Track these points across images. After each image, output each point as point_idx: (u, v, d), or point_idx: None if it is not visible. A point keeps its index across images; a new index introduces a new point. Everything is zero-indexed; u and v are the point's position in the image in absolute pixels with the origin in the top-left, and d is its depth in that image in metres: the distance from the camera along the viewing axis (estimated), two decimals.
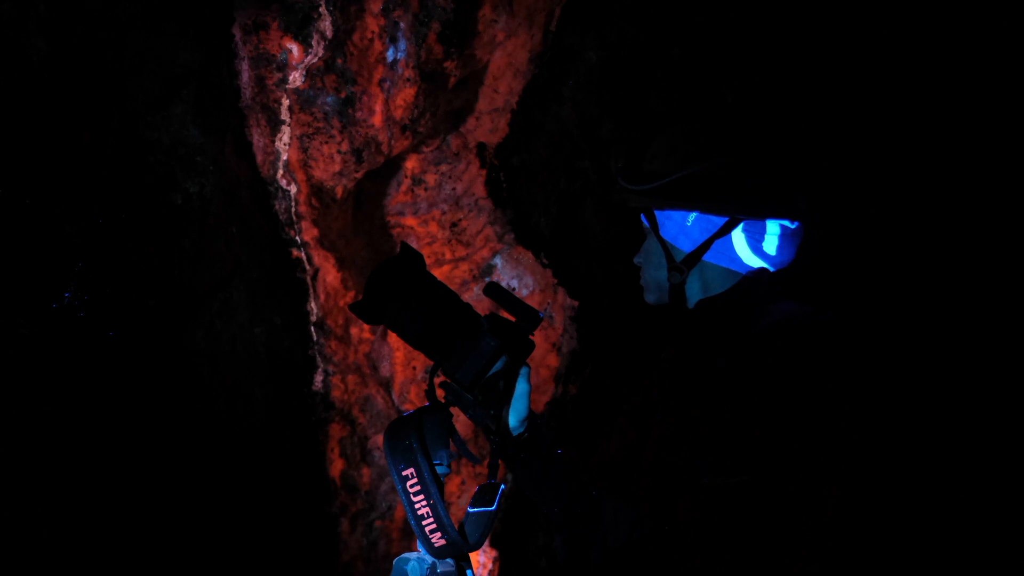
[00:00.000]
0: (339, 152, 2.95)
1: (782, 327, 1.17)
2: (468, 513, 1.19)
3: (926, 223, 2.29)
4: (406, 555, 1.19)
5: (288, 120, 2.84)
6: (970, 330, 2.10)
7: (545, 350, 3.59)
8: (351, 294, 3.21)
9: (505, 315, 1.28)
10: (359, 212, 3.44)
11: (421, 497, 1.11)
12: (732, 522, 1.09)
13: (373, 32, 2.81)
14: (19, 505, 2.10)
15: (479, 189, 3.49)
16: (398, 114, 2.97)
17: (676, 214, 1.27)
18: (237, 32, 2.62)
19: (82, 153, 2.17)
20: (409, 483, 1.12)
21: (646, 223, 1.32)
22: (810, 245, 1.28)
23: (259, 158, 2.83)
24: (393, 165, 3.40)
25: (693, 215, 1.25)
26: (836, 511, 1.02)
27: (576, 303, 3.53)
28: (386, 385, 3.54)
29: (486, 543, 3.39)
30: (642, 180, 1.26)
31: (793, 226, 1.25)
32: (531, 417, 1.34)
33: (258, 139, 2.80)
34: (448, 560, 1.17)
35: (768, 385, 1.10)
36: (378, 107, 2.91)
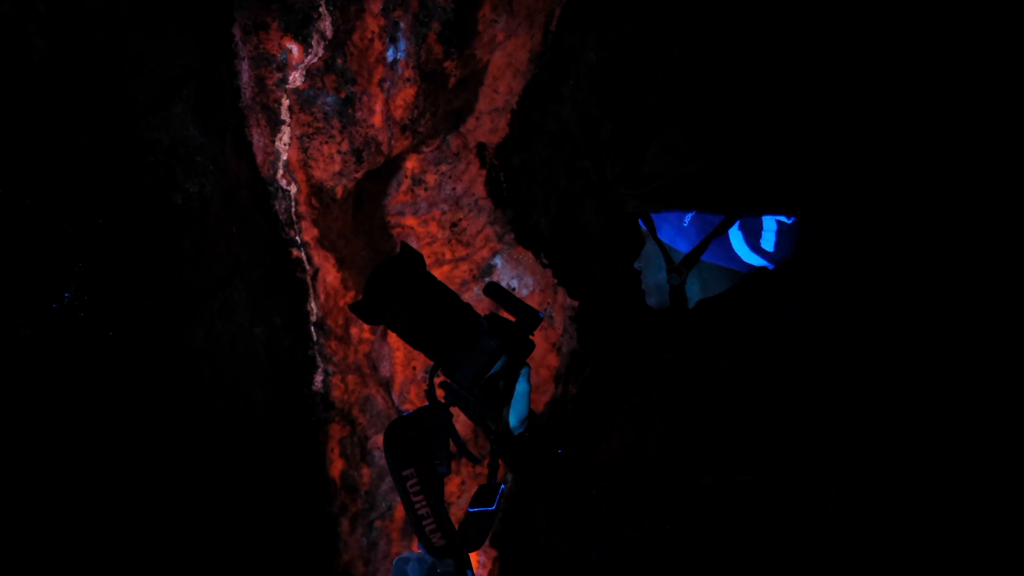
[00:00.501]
0: (339, 152, 2.95)
1: (782, 327, 1.17)
2: (468, 513, 1.19)
3: (927, 222, 2.29)
4: (406, 555, 1.19)
5: (288, 120, 2.84)
6: (971, 330, 2.10)
7: (545, 350, 3.59)
8: (351, 294, 3.21)
9: (505, 315, 1.28)
10: (359, 212, 3.44)
11: (421, 497, 1.11)
12: (732, 522, 1.09)
13: (373, 32, 2.81)
14: (19, 505, 2.10)
15: (479, 189, 3.49)
16: (398, 114, 2.97)
17: (672, 216, 1.27)
18: (237, 32, 2.63)
19: (82, 153, 2.17)
20: (409, 483, 1.12)
21: (643, 227, 1.32)
22: (809, 241, 1.28)
23: (259, 158, 2.83)
24: (393, 165, 3.40)
25: (689, 216, 1.25)
26: (836, 511, 1.02)
27: (576, 303, 3.53)
28: (386, 385, 3.54)
29: (486, 543, 3.39)
30: (640, 183, 1.26)
31: (790, 222, 1.25)
32: (531, 417, 1.34)
33: (258, 139, 2.80)
34: (448, 560, 1.17)
35: (768, 385, 1.10)
36: (378, 107, 2.91)
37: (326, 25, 2.70)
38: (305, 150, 2.92)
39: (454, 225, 3.56)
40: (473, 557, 1.24)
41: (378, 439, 3.43)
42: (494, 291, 1.28)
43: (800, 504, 1.04)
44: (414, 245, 3.57)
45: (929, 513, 1.06)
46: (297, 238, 3.00)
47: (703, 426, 1.15)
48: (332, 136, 2.91)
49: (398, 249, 1.26)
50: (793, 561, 1.04)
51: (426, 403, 1.22)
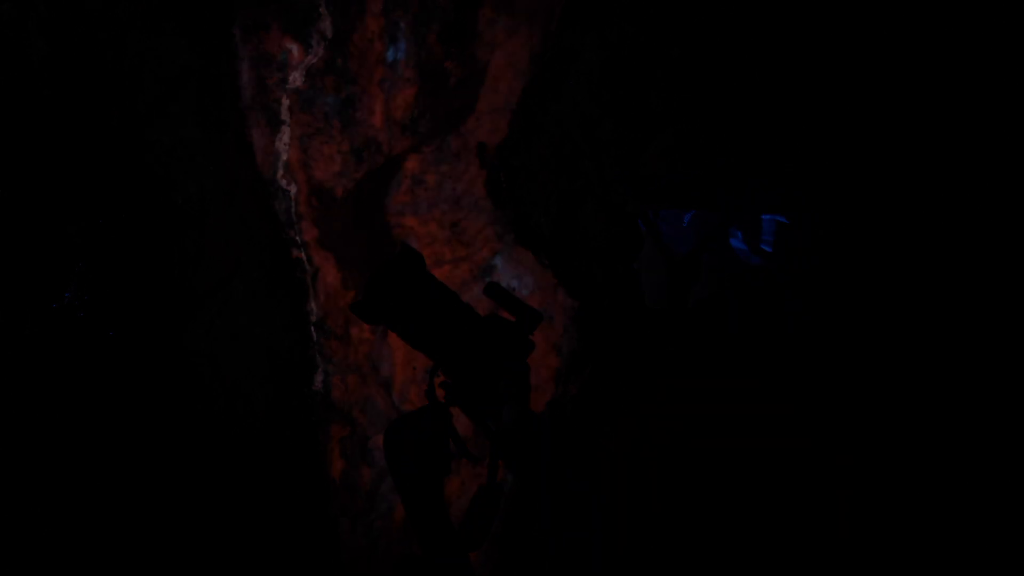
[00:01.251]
0: (339, 152, 2.95)
1: (783, 327, 1.17)
2: (468, 513, 1.19)
3: (928, 222, 2.29)
4: None
5: (288, 120, 2.84)
6: (972, 330, 2.10)
7: (545, 350, 3.58)
8: (351, 294, 3.21)
9: (505, 315, 1.28)
10: (359, 212, 3.44)
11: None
12: (735, 523, 1.09)
13: (373, 32, 2.81)
14: (20, 504, 2.10)
15: (479, 189, 3.49)
16: (398, 114, 2.97)
17: (672, 216, 1.27)
18: (237, 32, 2.62)
19: (82, 153, 2.17)
20: (409, 483, 1.12)
21: (643, 227, 1.32)
22: (809, 242, 1.28)
23: (259, 158, 2.83)
24: (393, 165, 3.40)
25: (689, 216, 1.25)
26: (843, 511, 1.02)
27: (576, 303, 3.52)
28: (386, 385, 3.54)
29: (486, 543, 3.38)
30: (640, 183, 1.26)
31: (790, 223, 1.24)
32: (531, 417, 1.33)
33: (258, 139, 2.80)
34: (448, 560, 1.17)
35: (770, 385, 1.10)
36: (378, 107, 2.91)
37: (326, 25, 2.70)
38: (305, 150, 2.92)
39: (454, 225, 3.56)
40: (473, 557, 1.25)
41: (378, 439, 3.43)
42: (494, 291, 1.28)
43: (806, 504, 1.04)
44: (414, 245, 3.57)
45: (931, 513, 1.06)
46: (297, 238, 3.00)
47: (705, 427, 1.14)
48: (332, 136, 2.91)
49: (398, 249, 1.26)
50: (800, 558, 1.04)
51: (426, 403, 1.22)
